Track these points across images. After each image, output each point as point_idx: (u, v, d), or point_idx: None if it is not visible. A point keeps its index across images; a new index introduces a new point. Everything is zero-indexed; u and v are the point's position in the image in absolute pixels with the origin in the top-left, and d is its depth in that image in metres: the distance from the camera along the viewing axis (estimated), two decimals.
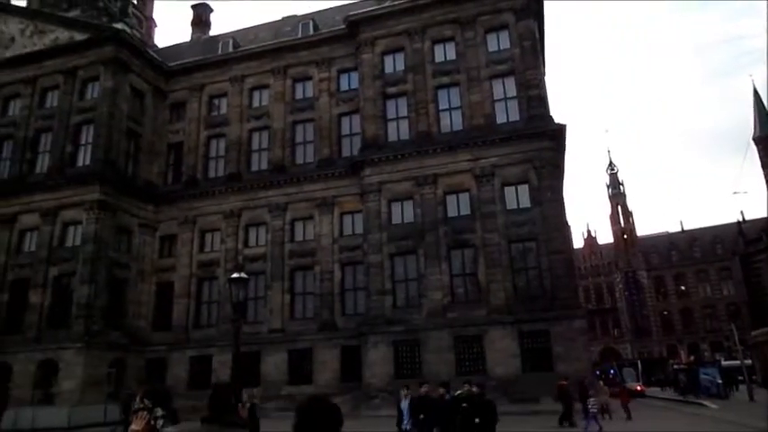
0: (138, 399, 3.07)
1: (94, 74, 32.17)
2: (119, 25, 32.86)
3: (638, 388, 34.50)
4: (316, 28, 34.17)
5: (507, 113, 27.77)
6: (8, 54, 34.16)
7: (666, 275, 75.80)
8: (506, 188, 26.51)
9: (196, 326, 30.66)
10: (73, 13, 37.88)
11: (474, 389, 10.73)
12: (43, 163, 31.80)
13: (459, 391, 11.01)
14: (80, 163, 31.00)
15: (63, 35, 33.58)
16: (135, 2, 41.56)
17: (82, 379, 25.89)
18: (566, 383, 18.07)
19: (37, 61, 33.32)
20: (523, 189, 26.39)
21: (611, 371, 41.43)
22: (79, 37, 32.95)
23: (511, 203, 26.30)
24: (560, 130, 26.96)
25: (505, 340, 24.02)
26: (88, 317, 27.28)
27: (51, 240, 29.48)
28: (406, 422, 11.03)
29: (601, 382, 22.17)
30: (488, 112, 27.78)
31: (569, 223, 28.61)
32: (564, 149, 28.52)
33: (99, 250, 28.53)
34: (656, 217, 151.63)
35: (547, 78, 31.38)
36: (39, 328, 27.93)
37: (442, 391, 11.52)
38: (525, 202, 26.16)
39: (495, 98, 28.06)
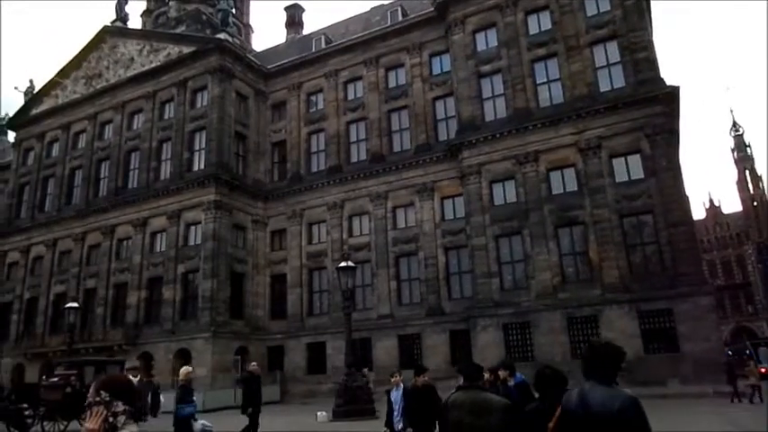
0: (92, 391, 2.60)
1: (203, 83, 34.50)
2: (221, 35, 34.94)
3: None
4: (404, 14, 34.14)
5: (612, 80, 26.08)
6: (129, 73, 37.57)
7: None
8: (615, 160, 24.99)
9: (309, 314, 32.13)
10: (180, 29, 40.99)
11: (423, 378, 7.70)
12: (166, 170, 34.71)
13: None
14: (196, 167, 33.48)
15: (174, 50, 36.30)
16: (233, 11, 43.80)
17: (212, 366, 28.16)
18: None
19: (154, 77, 36.36)
20: (634, 159, 24.73)
21: (747, 351, 37.86)
22: (187, 50, 35.45)
23: (621, 176, 24.76)
24: (673, 93, 24.85)
25: (623, 320, 22.79)
26: (213, 309, 29.59)
27: (177, 240, 32.20)
28: (397, 419, 8.10)
29: (752, 363, 20.36)
30: (591, 80, 26.27)
31: (688, 193, 26.46)
32: (678, 114, 26.29)
33: (218, 247, 30.74)
34: None
35: (655, 38, 29.03)
36: (173, 321, 30.74)
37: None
38: (637, 173, 24.51)
39: (597, 65, 26.45)
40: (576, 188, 25.47)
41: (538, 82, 27.63)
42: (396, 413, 8.17)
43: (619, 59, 26.01)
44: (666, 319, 22.34)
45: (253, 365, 12.90)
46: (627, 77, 25.57)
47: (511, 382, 7.64)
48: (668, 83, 24.91)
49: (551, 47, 27.49)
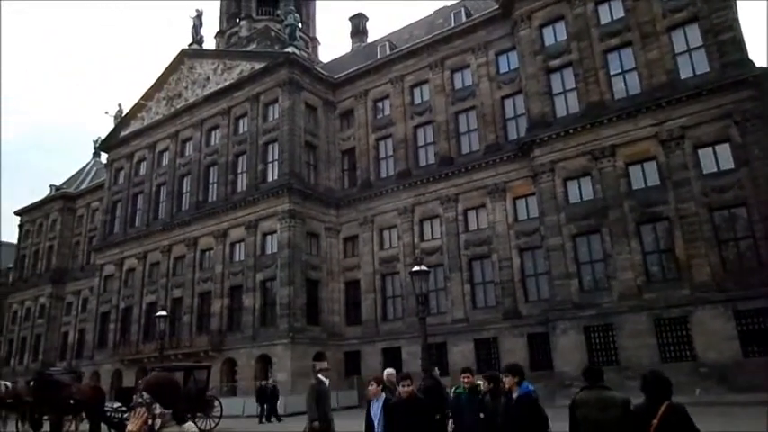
0: (138, 393, 2.60)
1: (274, 97, 35.69)
2: (289, 49, 36.06)
3: None
4: (468, 15, 33.80)
5: (693, 66, 24.49)
6: (206, 92, 39.52)
7: None
8: (700, 150, 23.42)
9: (384, 319, 32.32)
10: (251, 47, 42.69)
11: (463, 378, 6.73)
12: (242, 182, 36.16)
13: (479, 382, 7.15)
14: (270, 178, 34.64)
15: (245, 67, 37.82)
16: (300, 26, 45.05)
17: (291, 371, 28.92)
18: None
19: (228, 94, 38.04)
20: (723, 149, 23.06)
21: None
22: (258, 66, 36.81)
23: (708, 167, 23.15)
24: (764, 75, 22.96)
25: (717, 321, 21.23)
26: (291, 315, 30.41)
27: (255, 249, 33.40)
28: None
29: None
30: (670, 68, 24.81)
31: None
32: None
33: (294, 255, 31.59)
34: None
35: (741, 16, 26.96)
36: (253, 327, 31.86)
37: (469, 379, 7.13)
38: (727, 163, 22.82)
39: (676, 51, 24.94)
40: (658, 182, 24.08)
41: (612, 73, 26.43)
42: (376, 430, 6.73)
43: (701, 43, 24.41)
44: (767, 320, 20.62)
45: (435, 370, 12.76)
46: (711, 62, 23.94)
47: (515, 393, 5.99)
48: (758, 64, 23.12)
49: (625, 35, 26.23)
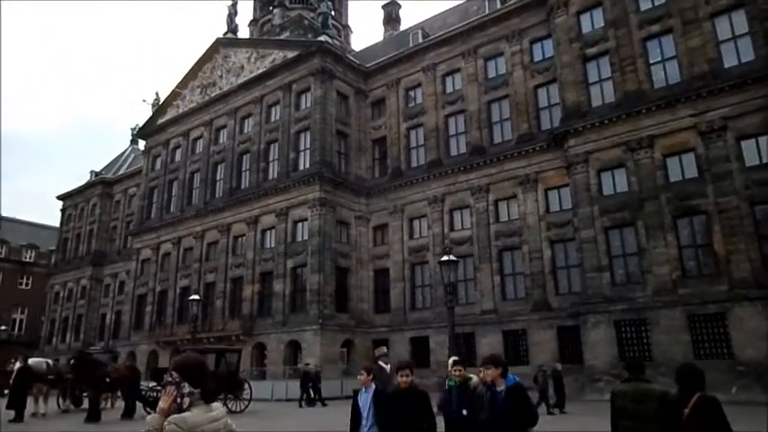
0: (168, 372, 2.66)
1: (306, 85, 35.88)
2: (322, 38, 36.11)
3: None
4: (503, 1, 33.21)
5: (738, 54, 23.53)
6: (240, 80, 39.98)
7: None
8: (743, 142, 22.57)
9: (412, 308, 32.39)
10: (284, 35, 42.93)
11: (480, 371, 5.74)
12: (274, 170, 36.58)
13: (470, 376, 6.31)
14: (301, 167, 34.93)
15: (278, 55, 38.08)
16: (333, 14, 45.02)
17: (320, 357, 29.30)
18: None
19: (261, 82, 38.39)
20: (766, 141, 22.22)
21: None
22: (291, 55, 37.02)
23: (751, 159, 22.30)
24: None
25: (755, 319, 20.58)
26: (320, 302, 30.77)
27: (286, 236, 33.84)
28: (366, 428, 6.13)
29: None
30: (712, 56, 23.93)
31: None
32: None
33: (324, 242, 31.88)
34: None
35: None
36: (283, 313, 32.37)
37: (483, 376, 5.78)
38: None
39: (720, 39, 24.01)
40: (696, 174, 23.37)
41: (651, 61, 25.64)
42: (364, 422, 6.13)
43: (746, 30, 23.42)
44: None
45: (557, 366, 12.07)
46: (756, 50, 22.96)
47: (501, 387, 5.39)
48: None
49: (666, 22, 25.39)
